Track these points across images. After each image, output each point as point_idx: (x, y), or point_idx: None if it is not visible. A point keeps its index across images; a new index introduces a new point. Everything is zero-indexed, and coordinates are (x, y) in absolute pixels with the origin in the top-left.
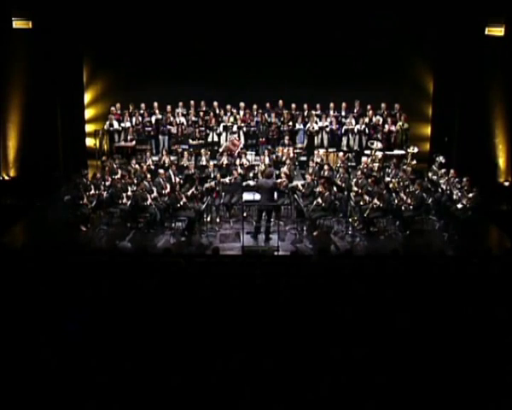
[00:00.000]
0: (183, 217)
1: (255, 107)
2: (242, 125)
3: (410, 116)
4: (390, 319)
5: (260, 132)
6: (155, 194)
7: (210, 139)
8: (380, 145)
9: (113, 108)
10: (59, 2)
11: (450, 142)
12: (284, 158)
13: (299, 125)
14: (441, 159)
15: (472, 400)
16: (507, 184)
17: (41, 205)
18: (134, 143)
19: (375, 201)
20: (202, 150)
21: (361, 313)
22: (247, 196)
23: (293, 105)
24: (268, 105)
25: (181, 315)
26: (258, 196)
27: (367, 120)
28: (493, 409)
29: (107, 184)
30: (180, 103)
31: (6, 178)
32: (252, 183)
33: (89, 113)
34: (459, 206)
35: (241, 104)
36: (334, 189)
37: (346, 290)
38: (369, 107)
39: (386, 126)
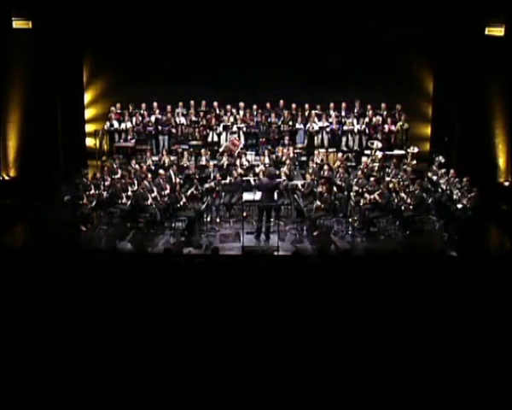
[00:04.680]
0: (183, 217)
1: (255, 107)
2: (242, 125)
3: (410, 116)
4: (390, 318)
5: (260, 132)
6: (155, 194)
7: (210, 139)
8: (380, 145)
9: (113, 108)
10: (59, 2)
11: (450, 142)
12: (284, 158)
13: (299, 125)
14: (441, 159)
15: (472, 400)
16: (507, 184)
17: (41, 205)
18: (134, 143)
19: (375, 195)
20: (202, 150)
21: (361, 313)
22: (247, 196)
23: (294, 105)
24: (268, 105)
25: (181, 315)
26: (258, 196)
27: (367, 120)
28: (493, 409)
29: (107, 184)
30: (180, 103)
31: (6, 178)
32: (252, 179)
33: (89, 113)
34: (459, 206)
35: (241, 104)
36: (334, 189)
37: (346, 290)
38: (369, 107)
39: (386, 126)
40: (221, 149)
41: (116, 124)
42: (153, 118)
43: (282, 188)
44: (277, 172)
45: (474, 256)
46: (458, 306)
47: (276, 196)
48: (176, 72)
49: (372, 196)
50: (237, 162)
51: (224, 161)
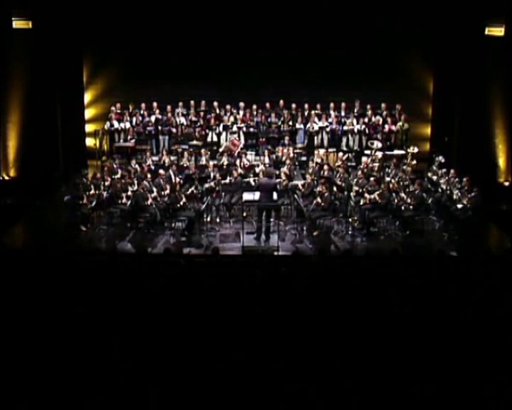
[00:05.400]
0: (183, 217)
1: (255, 107)
2: (242, 125)
3: (409, 116)
4: (390, 318)
5: (260, 132)
6: (155, 194)
7: (210, 139)
8: (380, 145)
9: (113, 108)
10: (59, 2)
11: (450, 142)
12: (284, 158)
13: (299, 125)
14: (441, 159)
15: (472, 400)
16: (507, 184)
17: (41, 205)
18: (134, 143)
19: (375, 195)
20: (202, 150)
21: (361, 313)
22: (247, 196)
23: (294, 105)
24: (268, 105)
25: (181, 315)
26: (257, 196)
27: (367, 120)
28: (493, 409)
29: (107, 184)
30: (180, 103)
31: (6, 178)
32: (252, 180)
33: (89, 113)
34: (459, 206)
35: (241, 104)
36: (334, 189)
37: (346, 290)
38: (369, 107)
39: (386, 126)
40: (221, 149)
41: (116, 124)
42: (153, 118)
43: (280, 188)
44: (277, 172)
45: (474, 256)
46: (458, 306)
47: (275, 196)
48: (176, 72)
49: (372, 196)
50: (237, 162)
51: (224, 160)
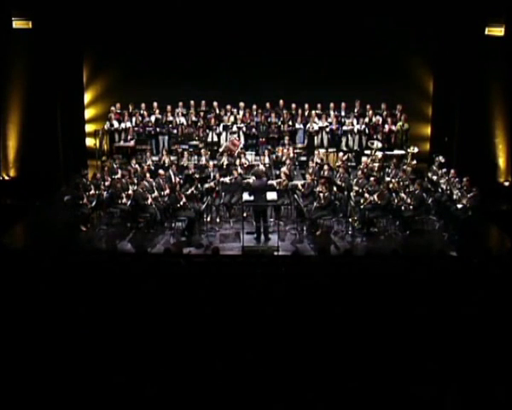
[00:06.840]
0: (183, 217)
1: (255, 107)
2: (242, 125)
3: (409, 116)
4: (390, 319)
5: (260, 132)
6: (155, 194)
7: (210, 139)
8: (380, 145)
9: (113, 108)
10: (59, 2)
11: (450, 142)
12: (284, 158)
13: (298, 125)
14: (441, 159)
15: (472, 400)
16: (507, 184)
17: (41, 205)
18: (134, 143)
19: (374, 196)
20: (202, 150)
21: (361, 313)
22: (247, 196)
23: (294, 105)
24: (268, 105)
25: (181, 315)
26: (251, 198)
27: (367, 120)
28: (493, 409)
29: (107, 184)
30: (180, 103)
31: (6, 178)
32: (251, 180)
33: (89, 113)
34: (459, 206)
35: (241, 104)
36: (334, 189)
37: (346, 291)
38: (368, 107)
39: (386, 126)
40: (221, 149)
41: (116, 124)
42: (153, 118)
43: (274, 185)
44: (264, 170)
45: (474, 256)
46: (458, 306)
47: (272, 196)
48: (176, 72)
49: (372, 197)
50: (237, 162)
51: (224, 160)
